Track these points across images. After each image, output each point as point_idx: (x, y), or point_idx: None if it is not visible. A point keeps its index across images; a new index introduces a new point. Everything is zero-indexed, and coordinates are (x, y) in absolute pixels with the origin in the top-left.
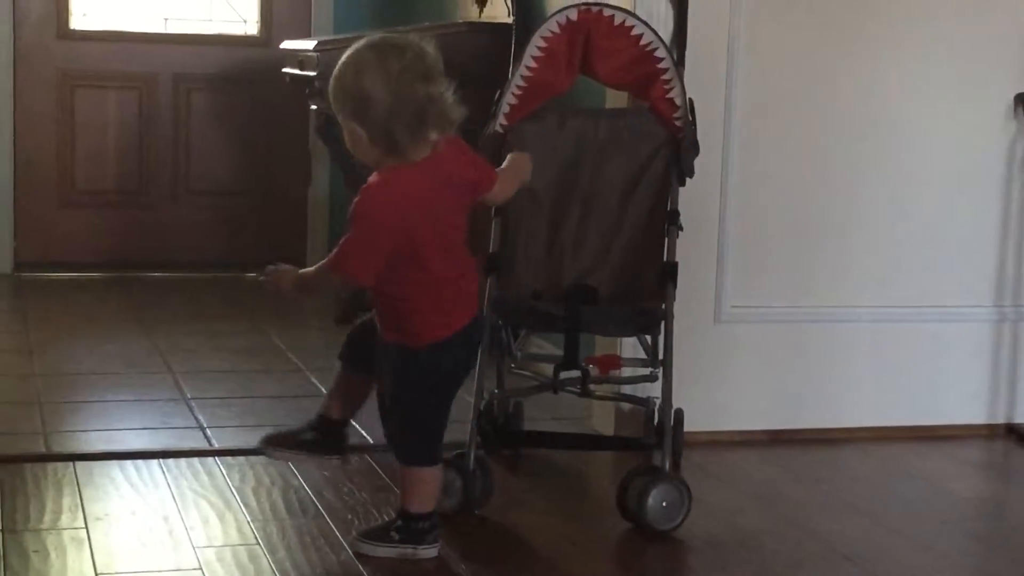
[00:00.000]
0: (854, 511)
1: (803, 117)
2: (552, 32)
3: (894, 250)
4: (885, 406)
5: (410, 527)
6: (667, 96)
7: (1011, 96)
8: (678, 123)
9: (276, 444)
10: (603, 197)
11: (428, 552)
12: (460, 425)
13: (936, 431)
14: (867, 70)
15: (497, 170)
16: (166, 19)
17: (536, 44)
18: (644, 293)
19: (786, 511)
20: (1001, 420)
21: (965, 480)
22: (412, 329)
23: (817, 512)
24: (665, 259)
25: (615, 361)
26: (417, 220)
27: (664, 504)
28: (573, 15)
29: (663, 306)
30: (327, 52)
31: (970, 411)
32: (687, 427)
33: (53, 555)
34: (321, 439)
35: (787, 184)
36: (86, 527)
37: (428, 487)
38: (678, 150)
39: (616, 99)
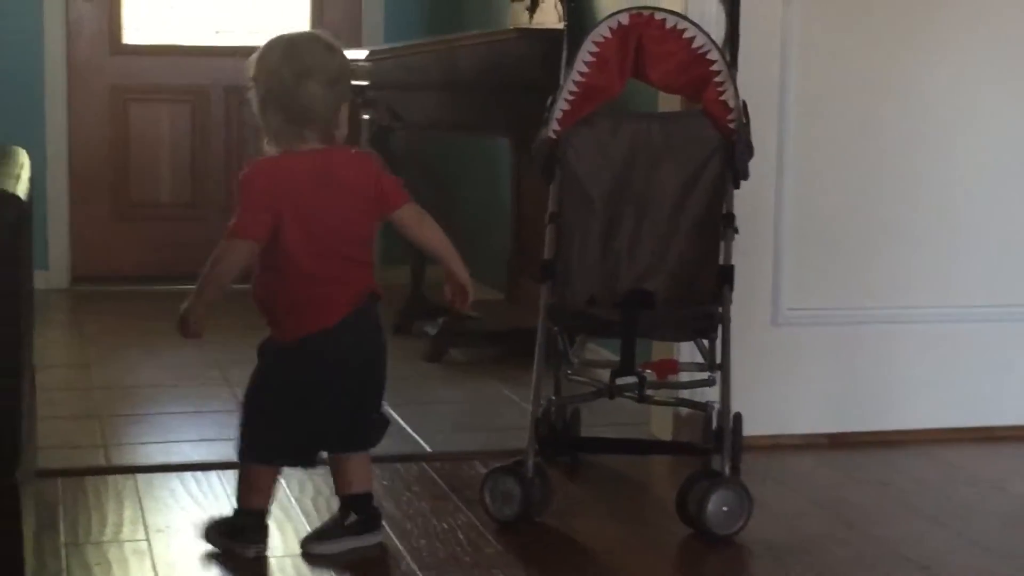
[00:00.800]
0: (916, 514)
1: (857, 117)
2: (604, 37)
3: (952, 250)
4: (946, 408)
5: (234, 522)
6: (720, 99)
7: None
8: (732, 125)
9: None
10: (658, 201)
11: (246, 552)
12: (518, 432)
13: (997, 432)
14: (921, 70)
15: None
16: (217, 31)
17: (588, 49)
18: (701, 297)
19: (848, 515)
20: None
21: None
22: (269, 320)
23: (879, 516)
24: (721, 262)
25: (672, 366)
26: (283, 200)
27: (724, 509)
28: (624, 19)
29: (720, 309)
30: (379, 62)
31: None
32: (746, 431)
33: (115, 568)
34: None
35: (842, 185)
36: (147, 539)
37: (246, 483)
38: (732, 153)
39: (668, 102)
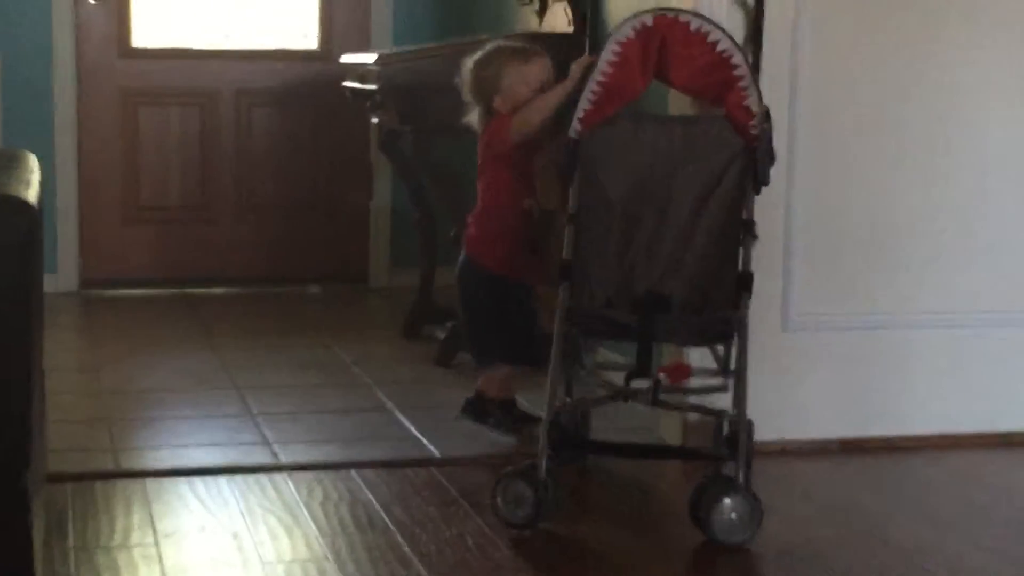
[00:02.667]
0: (928, 520)
1: (869, 123)
2: (627, 37)
3: (963, 255)
4: (957, 413)
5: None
6: (744, 103)
7: None
8: (754, 131)
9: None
10: (677, 205)
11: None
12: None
13: (1009, 438)
14: (937, 76)
15: None
16: (226, 35)
17: (611, 49)
18: (717, 302)
19: (859, 521)
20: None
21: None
22: None
23: (890, 521)
24: (740, 268)
25: (686, 370)
26: None
27: (734, 517)
28: (649, 20)
29: (737, 315)
30: (387, 65)
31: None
32: (756, 436)
33: (124, 572)
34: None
35: (853, 190)
36: (156, 544)
37: None
38: (754, 158)
39: (678, 105)
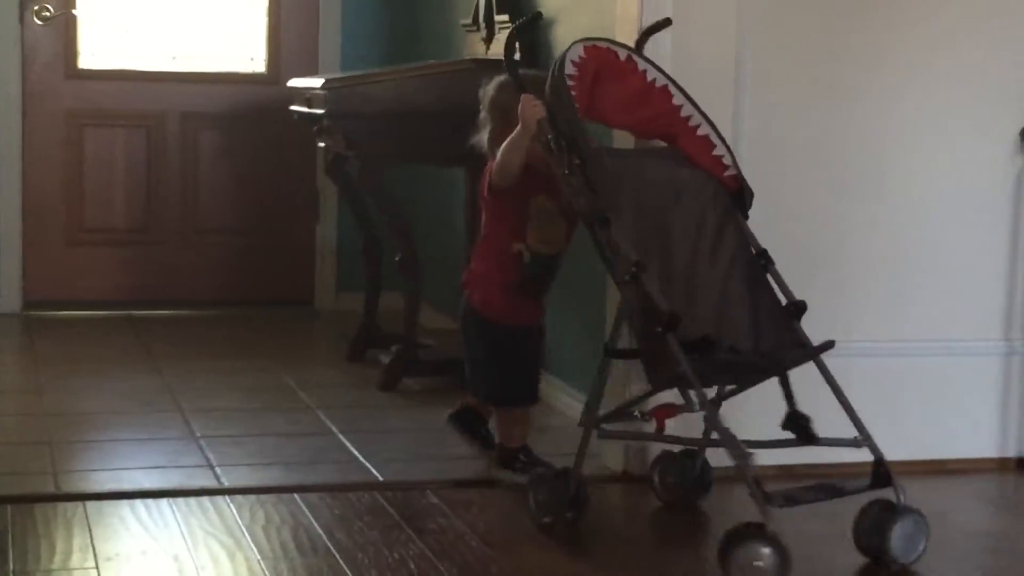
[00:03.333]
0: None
1: (811, 152)
2: (575, 62)
3: (902, 284)
4: (893, 440)
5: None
6: (712, 153)
7: (1017, 130)
8: (731, 172)
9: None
10: (680, 242)
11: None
12: (471, 462)
13: (945, 465)
14: (877, 104)
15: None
16: (174, 57)
17: (568, 73)
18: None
19: (796, 546)
20: (1012, 454)
21: (975, 514)
22: None
23: (825, 547)
24: (787, 299)
25: (671, 411)
26: None
27: (910, 535)
28: (581, 51)
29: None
30: (335, 90)
31: (980, 445)
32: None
33: None
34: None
35: (794, 218)
36: (97, 568)
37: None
38: (741, 199)
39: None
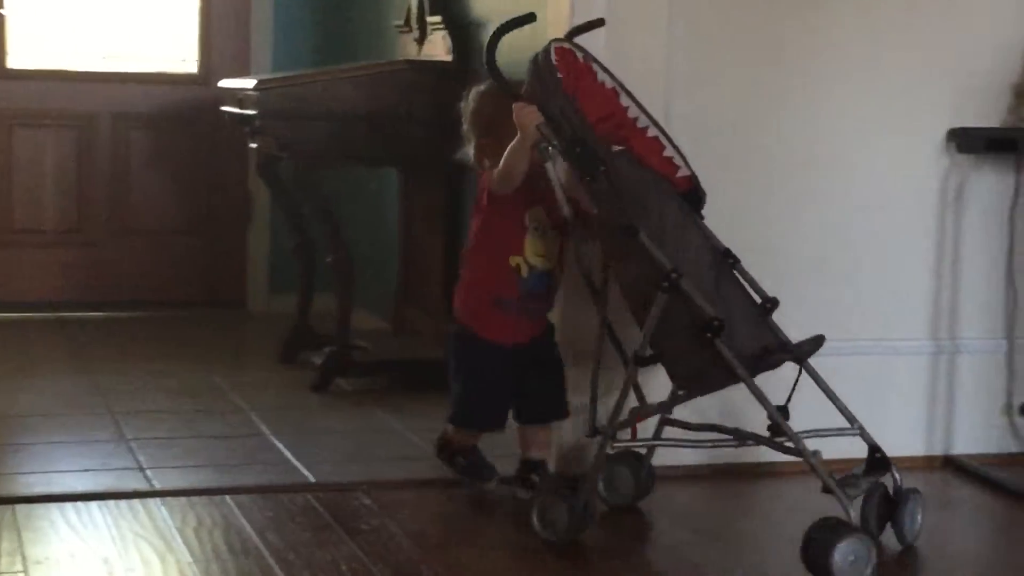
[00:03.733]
0: (792, 542)
1: (739, 151)
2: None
3: (830, 283)
4: (826, 438)
5: None
6: (663, 154)
7: (944, 131)
8: (686, 173)
9: None
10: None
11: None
12: (403, 463)
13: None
14: (806, 106)
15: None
16: (104, 57)
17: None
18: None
19: (732, 545)
20: (939, 452)
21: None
22: None
23: (760, 545)
24: (761, 297)
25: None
26: None
27: (920, 516)
28: (552, 53)
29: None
30: (266, 91)
31: (908, 443)
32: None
33: None
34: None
35: (723, 219)
36: (26, 571)
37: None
38: (697, 199)
39: None
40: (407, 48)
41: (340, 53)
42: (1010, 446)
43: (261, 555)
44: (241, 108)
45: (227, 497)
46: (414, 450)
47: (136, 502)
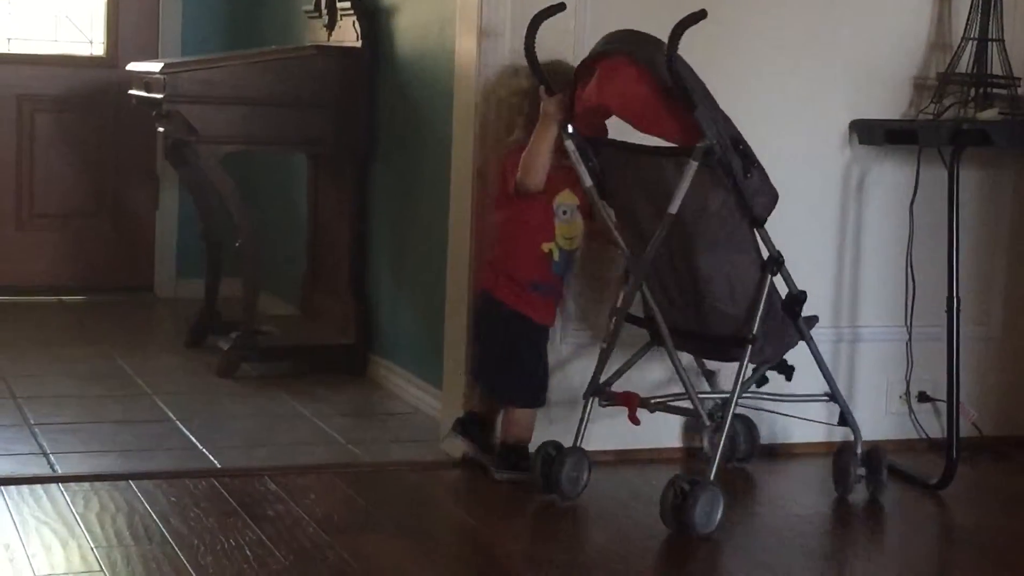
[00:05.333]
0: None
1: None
2: None
3: None
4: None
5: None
6: None
7: (847, 123)
8: None
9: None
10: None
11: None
12: (309, 447)
13: (791, 449)
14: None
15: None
16: (9, 39)
17: None
18: None
19: (625, 529)
20: (839, 438)
21: (803, 498)
22: None
23: (655, 531)
24: None
25: (636, 399)
26: None
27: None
28: None
29: None
30: (174, 75)
31: (809, 430)
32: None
33: None
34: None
35: None
36: None
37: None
38: None
39: None
40: (317, 33)
41: (250, 38)
42: (909, 432)
43: (165, 540)
44: (148, 92)
45: (131, 482)
46: (320, 435)
47: (38, 487)
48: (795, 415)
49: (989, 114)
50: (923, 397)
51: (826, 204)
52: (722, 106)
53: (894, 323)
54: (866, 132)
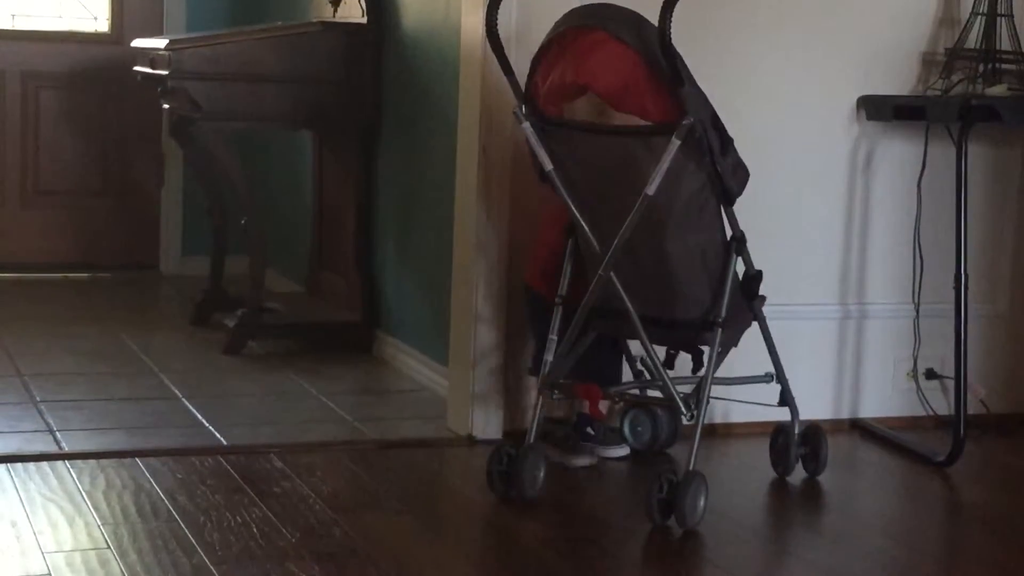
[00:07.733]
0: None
1: None
2: None
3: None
4: (736, 404)
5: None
6: None
7: (855, 99)
8: None
9: None
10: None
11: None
12: (315, 425)
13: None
14: (719, 73)
15: None
16: (14, 15)
17: None
18: None
19: (628, 507)
20: (846, 415)
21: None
22: None
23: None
24: None
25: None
26: None
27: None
28: None
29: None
30: (179, 51)
31: (816, 407)
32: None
33: None
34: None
35: None
36: None
37: None
38: None
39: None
40: (322, 9)
41: (255, 14)
42: (916, 409)
43: (172, 517)
44: (153, 68)
45: (137, 460)
46: (326, 413)
47: (45, 464)
48: (737, 399)
49: (998, 90)
50: (930, 374)
51: (833, 180)
52: (729, 83)
53: (901, 300)
54: (874, 108)
